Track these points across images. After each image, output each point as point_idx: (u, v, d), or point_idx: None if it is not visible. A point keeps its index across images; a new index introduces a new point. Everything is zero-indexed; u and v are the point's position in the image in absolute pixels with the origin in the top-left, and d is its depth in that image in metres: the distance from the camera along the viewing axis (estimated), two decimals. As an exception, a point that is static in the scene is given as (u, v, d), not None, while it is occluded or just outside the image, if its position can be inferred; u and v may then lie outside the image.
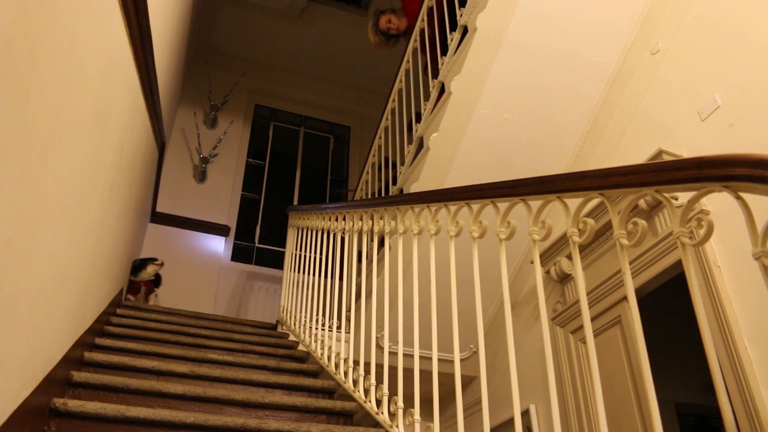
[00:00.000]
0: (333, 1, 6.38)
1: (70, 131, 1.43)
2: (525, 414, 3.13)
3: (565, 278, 3.06)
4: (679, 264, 2.32)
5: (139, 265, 4.17)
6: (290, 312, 3.62)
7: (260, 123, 6.60)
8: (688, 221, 1.12)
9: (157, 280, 4.40)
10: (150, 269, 4.21)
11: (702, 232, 1.10)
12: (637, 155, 2.71)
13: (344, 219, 2.97)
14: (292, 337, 3.39)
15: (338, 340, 2.87)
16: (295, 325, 3.42)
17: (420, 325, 2.00)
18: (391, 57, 4.85)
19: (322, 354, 2.76)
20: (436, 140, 3.20)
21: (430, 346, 1.88)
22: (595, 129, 3.18)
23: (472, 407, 3.35)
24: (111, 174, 2.14)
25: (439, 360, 1.87)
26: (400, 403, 1.98)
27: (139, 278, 4.16)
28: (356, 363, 2.40)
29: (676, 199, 2.19)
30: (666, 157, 2.48)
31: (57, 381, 1.75)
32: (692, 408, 4.06)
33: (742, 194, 0.98)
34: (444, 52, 3.43)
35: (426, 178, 3.24)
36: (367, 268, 3.67)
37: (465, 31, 3.23)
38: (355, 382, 2.33)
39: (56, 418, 1.68)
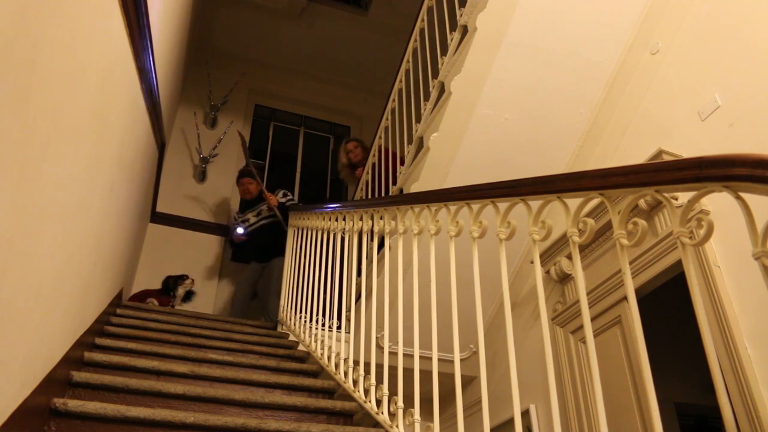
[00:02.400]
0: (333, 1, 6.38)
1: (70, 131, 1.43)
2: (525, 414, 3.13)
3: (565, 278, 3.06)
4: (679, 264, 2.32)
5: (172, 286, 4.30)
6: (290, 312, 3.62)
7: (260, 123, 6.60)
8: (688, 221, 1.12)
9: (187, 296, 4.52)
10: (180, 291, 4.33)
11: (702, 232, 1.10)
12: (637, 155, 2.71)
13: (344, 219, 2.97)
14: (292, 337, 3.39)
15: (338, 340, 2.87)
16: (295, 325, 3.42)
17: (420, 325, 2.00)
18: (391, 57, 4.86)
19: (322, 354, 2.76)
20: (436, 140, 3.20)
21: (430, 346, 1.88)
22: (595, 129, 3.18)
23: (472, 407, 3.35)
24: (111, 174, 2.13)
25: (439, 360, 1.87)
26: (400, 403, 1.98)
27: (177, 303, 4.29)
28: (356, 363, 2.40)
29: (676, 199, 2.19)
30: (666, 157, 2.48)
31: (57, 381, 1.75)
32: (692, 408, 4.06)
33: (742, 194, 0.98)
34: (444, 52, 3.43)
35: (426, 178, 3.24)
36: (367, 268, 3.67)
37: (465, 31, 3.23)
38: (355, 382, 2.33)
39: (56, 418, 1.68)
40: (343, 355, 2.54)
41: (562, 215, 1.43)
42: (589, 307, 1.66)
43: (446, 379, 2.05)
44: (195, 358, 2.58)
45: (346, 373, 2.42)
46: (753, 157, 0.94)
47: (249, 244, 4.85)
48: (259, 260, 4.83)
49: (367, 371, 2.28)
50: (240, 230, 4.77)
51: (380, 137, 4.25)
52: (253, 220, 4.86)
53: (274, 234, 4.69)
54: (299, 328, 3.30)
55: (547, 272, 3.13)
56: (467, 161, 3.20)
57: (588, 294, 2.62)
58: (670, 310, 3.26)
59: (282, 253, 4.50)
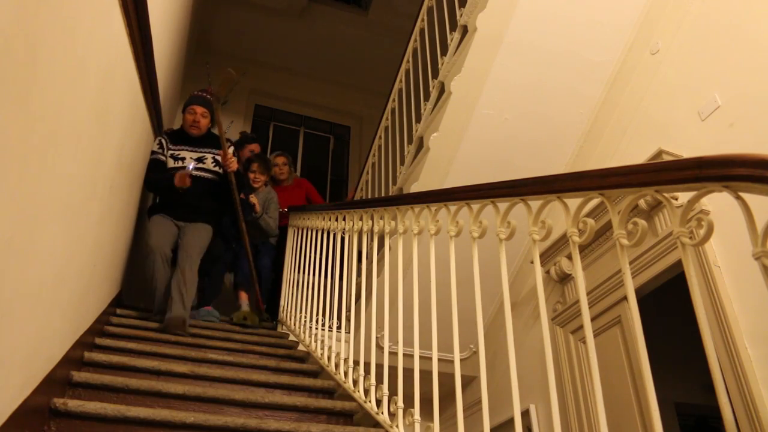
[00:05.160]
0: (333, 1, 6.38)
1: (70, 131, 1.43)
2: (525, 414, 3.13)
3: (565, 278, 3.06)
4: (679, 264, 2.32)
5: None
6: (290, 312, 3.62)
7: (260, 123, 6.60)
8: (688, 221, 1.12)
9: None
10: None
11: (702, 232, 1.10)
12: (637, 155, 2.71)
13: (344, 219, 2.97)
14: (292, 337, 3.39)
15: (338, 340, 2.87)
16: (295, 325, 3.42)
17: (420, 325, 2.00)
18: (391, 57, 4.86)
19: (322, 354, 2.76)
20: (436, 140, 3.20)
21: (430, 346, 1.88)
22: (595, 129, 3.18)
23: (472, 407, 3.35)
24: (111, 174, 2.13)
25: (439, 360, 1.87)
26: (400, 403, 1.98)
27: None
28: (356, 363, 2.40)
29: (676, 199, 2.19)
30: (666, 157, 2.48)
31: (57, 381, 1.75)
32: (692, 408, 4.06)
33: (742, 194, 0.98)
34: (444, 52, 3.43)
35: (426, 178, 3.25)
36: (367, 268, 3.67)
37: (465, 31, 3.24)
38: (355, 382, 2.33)
39: (56, 418, 1.68)
40: (343, 355, 2.54)
41: (562, 215, 1.43)
42: (589, 307, 1.66)
43: (446, 379, 2.06)
44: (195, 358, 2.58)
45: (346, 373, 2.42)
46: (753, 157, 0.94)
47: (168, 196, 3.41)
48: (176, 217, 3.35)
49: (367, 371, 2.28)
50: (191, 167, 3.42)
51: (380, 137, 4.25)
52: (190, 162, 3.60)
53: (207, 193, 3.48)
54: (299, 327, 3.30)
55: (547, 272, 3.13)
56: (467, 161, 3.20)
57: (588, 294, 2.62)
58: (670, 310, 3.27)
59: (206, 219, 3.41)
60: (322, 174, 6.66)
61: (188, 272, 3.12)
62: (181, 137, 3.60)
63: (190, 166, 3.38)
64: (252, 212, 3.84)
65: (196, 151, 3.57)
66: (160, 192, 3.51)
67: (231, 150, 3.58)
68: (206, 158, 3.56)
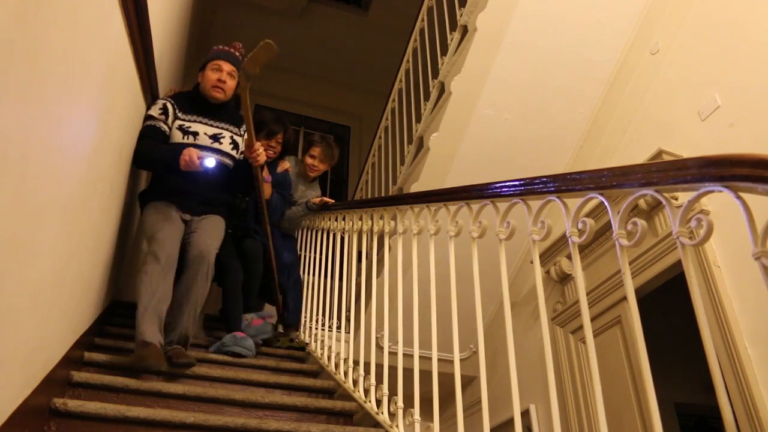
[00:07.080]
0: (333, 1, 6.38)
1: (70, 131, 1.43)
2: (525, 414, 3.13)
3: (565, 278, 3.06)
4: (679, 264, 2.31)
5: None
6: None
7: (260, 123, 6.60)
8: (688, 221, 1.12)
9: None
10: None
11: (702, 232, 1.10)
12: (638, 155, 2.71)
13: (344, 219, 2.97)
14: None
15: (338, 340, 2.87)
16: (295, 325, 3.42)
17: (420, 325, 2.00)
18: (391, 57, 4.86)
19: (322, 354, 2.76)
20: (436, 140, 3.20)
21: (430, 345, 1.88)
22: (596, 129, 3.18)
23: (472, 407, 3.35)
24: (111, 174, 2.13)
25: (439, 360, 1.86)
26: (400, 403, 1.98)
27: None
28: (356, 363, 2.40)
29: (676, 199, 2.19)
30: (666, 157, 2.48)
31: (57, 381, 1.75)
32: (692, 408, 4.06)
33: (742, 194, 0.98)
34: (444, 52, 3.43)
35: (426, 178, 3.25)
36: (367, 268, 3.67)
37: (465, 31, 3.24)
38: (355, 382, 2.33)
39: (56, 418, 1.68)
40: (343, 355, 2.54)
41: (562, 215, 1.43)
42: (589, 307, 1.66)
43: (446, 379, 2.05)
44: (195, 357, 2.58)
45: (346, 373, 2.42)
46: (753, 157, 0.94)
47: (169, 179, 2.57)
48: (183, 209, 2.58)
49: (367, 371, 2.28)
50: (211, 162, 2.57)
51: (380, 137, 4.25)
52: (204, 141, 2.65)
53: (221, 181, 2.70)
54: (299, 327, 3.30)
55: (547, 272, 3.13)
56: (467, 161, 3.20)
57: (588, 294, 2.62)
58: (669, 310, 3.27)
59: (219, 212, 2.68)
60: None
61: (204, 283, 2.49)
62: (194, 104, 2.70)
63: (207, 165, 2.56)
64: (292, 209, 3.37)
65: (212, 125, 2.70)
66: (154, 169, 2.71)
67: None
68: (223, 137, 2.70)
